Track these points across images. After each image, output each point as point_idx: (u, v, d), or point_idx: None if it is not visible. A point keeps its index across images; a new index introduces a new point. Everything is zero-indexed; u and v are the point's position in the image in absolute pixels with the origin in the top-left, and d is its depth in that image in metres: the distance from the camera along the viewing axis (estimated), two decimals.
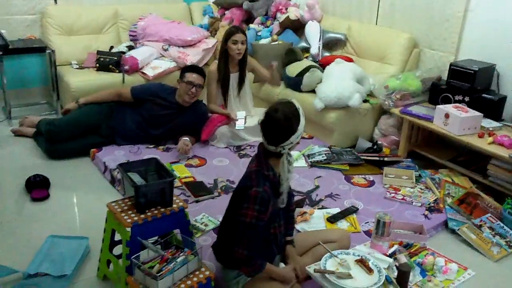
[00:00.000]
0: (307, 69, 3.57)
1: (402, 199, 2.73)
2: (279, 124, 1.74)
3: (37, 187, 2.68)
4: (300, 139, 1.83)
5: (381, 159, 3.14)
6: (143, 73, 3.93)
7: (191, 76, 3.18)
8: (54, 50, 3.83)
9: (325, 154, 3.19)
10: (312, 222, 2.44)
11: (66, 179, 2.90)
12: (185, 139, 3.14)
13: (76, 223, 2.50)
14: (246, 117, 3.35)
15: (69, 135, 3.12)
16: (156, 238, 1.99)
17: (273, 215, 1.81)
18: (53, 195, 2.70)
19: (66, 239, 2.24)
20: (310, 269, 1.83)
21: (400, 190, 2.82)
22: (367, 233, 2.35)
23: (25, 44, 3.82)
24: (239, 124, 3.34)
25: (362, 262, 1.84)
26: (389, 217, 1.99)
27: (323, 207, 2.60)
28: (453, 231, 2.50)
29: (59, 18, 4.13)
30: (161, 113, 3.18)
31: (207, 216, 2.47)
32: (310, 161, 3.13)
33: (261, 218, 1.74)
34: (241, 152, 3.28)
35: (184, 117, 3.20)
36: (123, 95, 3.26)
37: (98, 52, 3.97)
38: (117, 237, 1.97)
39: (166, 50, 4.15)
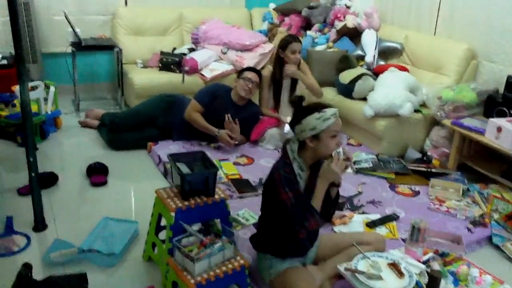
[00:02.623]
0: (359, 77, 3.60)
1: (446, 211, 2.70)
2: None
3: (97, 173, 2.91)
4: (313, 144, 1.82)
5: (429, 170, 3.11)
6: (201, 74, 4.12)
7: (249, 73, 3.34)
8: (121, 49, 4.11)
9: (371, 161, 3.20)
10: (351, 226, 2.47)
11: (124, 168, 3.12)
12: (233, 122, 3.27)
13: (128, 208, 2.69)
14: None
15: (130, 126, 3.36)
16: (199, 225, 2.12)
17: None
18: (110, 182, 2.92)
19: (118, 221, 2.43)
20: (341, 267, 1.88)
21: (445, 202, 2.79)
22: (405, 241, 2.35)
23: (96, 42, 4.13)
24: (289, 128, 3.42)
25: (394, 266, 1.86)
26: (424, 224, 2.00)
27: (363, 213, 2.63)
28: (497, 247, 2.44)
29: (128, 19, 4.43)
30: (217, 111, 3.32)
31: (249, 211, 2.57)
32: (356, 168, 3.16)
33: (296, 195, 1.79)
34: None
35: (237, 116, 3.33)
36: (197, 110, 3.31)
37: (162, 53, 4.21)
38: (163, 222, 2.12)
39: (224, 53, 4.32)
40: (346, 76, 3.72)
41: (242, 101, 3.38)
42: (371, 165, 3.16)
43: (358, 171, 3.14)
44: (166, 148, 3.25)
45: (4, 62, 3.84)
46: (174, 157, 2.15)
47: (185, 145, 3.33)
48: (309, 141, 1.82)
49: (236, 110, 3.37)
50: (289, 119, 3.34)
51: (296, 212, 1.79)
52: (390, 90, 3.33)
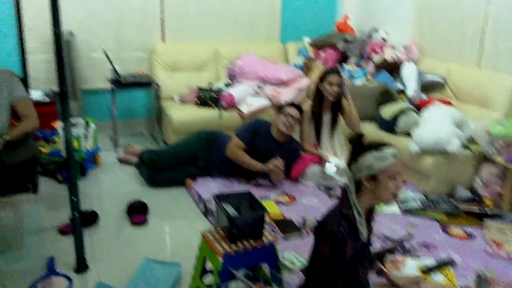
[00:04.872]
0: (402, 111, 3.50)
1: (508, 257, 2.51)
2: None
3: (137, 212, 2.86)
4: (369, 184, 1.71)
5: (483, 211, 2.95)
6: (238, 109, 4.10)
7: (289, 109, 3.28)
8: (159, 85, 4.14)
9: (420, 201, 3.06)
10: (404, 272, 2.32)
11: (163, 206, 3.07)
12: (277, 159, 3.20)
13: (169, 249, 2.62)
14: (339, 166, 3.33)
15: (169, 164, 3.32)
16: (245, 270, 2.02)
17: (356, 256, 1.74)
18: (150, 221, 2.87)
19: (161, 264, 2.35)
20: None
21: (503, 246, 2.61)
22: None
23: (134, 79, 4.16)
24: (330, 168, 3.33)
25: None
26: (492, 273, 1.85)
27: (416, 257, 2.48)
28: None
29: (165, 55, 4.48)
30: (259, 148, 3.26)
31: (294, 254, 2.45)
32: (404, 208, 3.02)
33: (336, 257, 1.65)
34: (331, 192, 3.25)
35: (278, 152, 3.26)
36: (239, 147, 3.25)
37: (199, 88, 4.21)
38: (208, 265, 2.03)
39: (261, 88, 4.30)
40: (388, 111, 3.63)
41: (282, 137, 3.32)
42: (419, 204, 3.02)
43: (406, 211, 3.00)
44: (205, 186, 3.19)
45: (46, 99, 3.91)
46: (220, 198, 2.09)
47: (224, 183, 3.26)
48: (366, 182, 1.70)
49: (276, 146, 3.30)
50: (333, 159, 3.32)
51: (321, 271, 1.68)
52: (436, 126, 3.21)
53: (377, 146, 1.71)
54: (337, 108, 3.51)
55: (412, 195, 3.14)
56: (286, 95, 4.19)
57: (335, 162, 3.35)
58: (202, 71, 4.61)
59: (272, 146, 3.30)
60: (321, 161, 3.37)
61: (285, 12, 5.07)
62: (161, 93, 4.17)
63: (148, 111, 4.67)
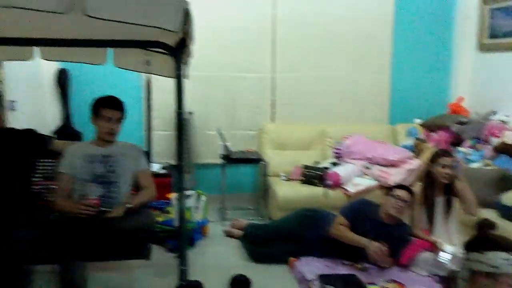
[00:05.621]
0: None
1: None
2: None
3: (240, 286, 2.86)
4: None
5: None
6: (344, 189, 4.04)
7: (400, 191, 3.16)
8: (267, 161, 4.27)
9: None
10: None
11: (265, 282, 3.02)
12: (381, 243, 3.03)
13: None
14: (454, 254, 3.08)
15: (271, 240, 3.33)
16: None
17: None
18: None
19: None
20: None
21: None
22: None
23: (244, 155, 4.36)
24: (445, 257, 3.08)
25: None
26: None
27: None
28: None
29: (274, 134, 4.67)
30: (364, 229, 3.15)
31: None
32: None
33: None
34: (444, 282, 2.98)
35: (386, 236, 3.11)
36: (344, 225, 3.18)
37: (305, 166, 4.26)
38: None
39: (368, 168, 4.23)
40: (510, 197, 3.32)
41: (391, 220, 3.17)
42: None
43: None
44: (309, 265, 3.10)
45: (163, 171, 4.22)
46: (325, 279, 2.02)
47: (328, 264, 3.15)
48: (482, 277, 1.56)
49: (384, 229, 3.15)
50: (448, 248, 3.08)
51: None
52: None
53: (510, 247, 1.58)
54: (450, 191, 3.31)
55: None
56: (395, 176, 4.05)
57: (450, 250, 3.10)
58: (308, 149, 4.68)
59: (378, 229, 3.16)
60: (434, 248, 3.13)
61: (394, 93, 5.06)
62: (268, 169, 4.29)
63: (255, 187, 4.80)
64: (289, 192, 4.00)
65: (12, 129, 2.74)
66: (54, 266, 2.21)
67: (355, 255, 3.15)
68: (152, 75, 3.21)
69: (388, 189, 3.33)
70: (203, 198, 3.75)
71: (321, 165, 4.35)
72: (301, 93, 4.85)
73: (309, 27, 4.77)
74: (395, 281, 2.98)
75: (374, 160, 4.26)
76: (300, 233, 3.33)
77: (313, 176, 4.14)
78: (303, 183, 4.17)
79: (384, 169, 4.17)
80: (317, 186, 4.08)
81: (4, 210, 2.49)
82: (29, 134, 2.79)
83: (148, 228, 2.61)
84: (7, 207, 2.51)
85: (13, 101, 3.58)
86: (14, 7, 1.70)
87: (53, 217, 2.64)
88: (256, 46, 4.71)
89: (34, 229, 2.39)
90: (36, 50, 3.00)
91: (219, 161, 4.27)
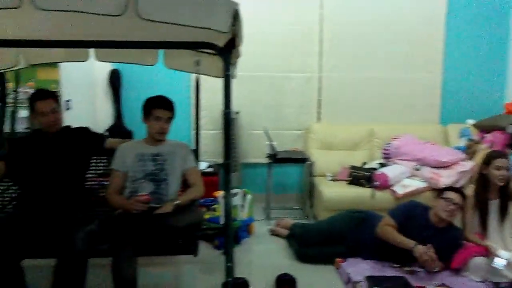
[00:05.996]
0: None
1: None
2: None
3: (285, 285, 2.87)
4: None
5: None
6: (392, 190, 3.96)
7: (451, 193, 3.07)
8: (313, 162, 4.24)
9: None
10: None
11: (311, 282, 3.02)
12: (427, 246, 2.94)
13: None
14: (510, 260, 2.95)
15: (318, 240, 3.31)
16: None
17: None
18: None
19: None
20: None
21: None
22: None
23: (290, 155, 4.36)
24: (499, 262, 2.96)
25: None
26: None
27: None
28: None
29: (320, 134, 4.64)
30: (413, 231, 3.07)
31: None
32: None
33: None
34: None
35: (436, 240, 3.02)
36: (391, 226, 3.13)
37: (352, 167, 4.21)
38: None
39: (418, 169, 4.12)
40: None
41: (441, 223, 3.08)
42: None
43: None
44: (355, 267, 3.06)
45: (210, 170, 4.30)
46: (373, 281, 1.99)
47: (375, 265, 3.10)
48: None
49: (434, 232, 3.07)
50: (503, 253, 2.95)
51: None
52: None
53: None
54: (505, 194, 3.17)
55: None
56: (446, 178, 3.93)
57: (505, 255, 2.97)
58: (355, 150, 4.62)
59: (428, 232, 3.07)
60: (488, 253, 3.01)
61: (446, 93, 4.91)
62: (314, 169, 4.27)
63: (301, 186, 4.79)
64: (336, 193, 3.96)
65: (68, 128, 2.86)
66: (107, 260, 2.29)
67: (403, 257, 3.08)
68: (201, 75, 3.27)
69: (439, 191, 3.24)
70: (249, 196, 3.78)
71: (368, 166, 4.29)
72: (348, 93, 4.80)
73: (356, 26, 4.72)
74: (445, 286, 2.89)
75: (424, 161, 4.15)
76: (347, 234, 3.29)
77: (360, 176, 4.08)
78: (350, 183, 4.12)
79: (435, 170, 4.05)
80: (364, 187, 4.02)
81: (61, 205, 2.60)
82: (85, 132, 2.90)
83: (196, 225, 2.66)
84: (64, 203, 2.62)
85: (69, 101, 3.76)
86: (71, 11, 1.78)
87: (107, 213, 2.75)
88: (303, 46, 4.70)
89: (90, 224, 2.49)
90: (91, 51, 3.12)
91: (265, 160, 4.30)
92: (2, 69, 3.45)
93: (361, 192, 3.96)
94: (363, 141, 4.64)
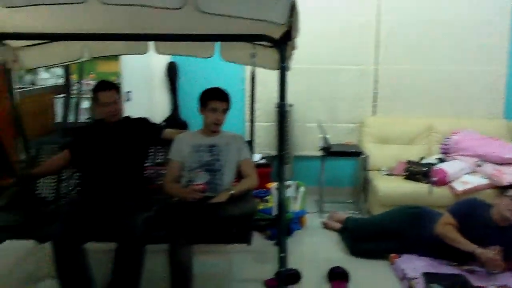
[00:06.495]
0: None
1: None
2: None
3: (338, 279, 2.85)
4: None
5: None
6: (451, 187, 3.82)
7: None
8: (367, 156, 4.17)
9: None
10: None
11: (364, 277, 2.99)
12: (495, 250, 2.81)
13: None
14: None
15: (372, 235, 3.27)
16: None
17: None
18: None
19: None
20: None
21: None
22: None
23: (344, 148, 4.31)
24: None
25: None
26: None
27: None
28: None
29: (375, 128, 4.54)
30: (472, 230, 2.96)
31: None
32: None
33: None
34: None
35: (498, 239, 2.89)
36: (450, 223, 3.02)
37: (408, 162, 4.10)
38: None
39: (479, 166, 3.95)
40: None
41: (504, 222, 2.94)
42: None
43: None
44: (411, 263, 2.99)
45: (263, 162, 4.32)
46: (430, 278, 1.94)
47: (432, 263, 3.00)
48: None
49: (495, 231, 2.93)
50: None
51: None
52: None
53: None
54: None
55: None
56: (510, 175, 3.74)
57: None
58: (412, 144, 4.49)
59: (489, 231, 2.94)
60: None
61: (511, 86, 4.66)
62: (368, 163, 4.19)
63: (354, 181, 4.73)
64: (391, 188, 3.88)
65: (128, 118, 2.97)
66: (164, 246, 2.37)
67: (462, 256, 2.98)
68: (255, 67, 3.29)
69: (502, 189, 3.09)
70: (302, 189, 3.78)
71: (426, 161, 4.16)
72: (406, 85, 4.66)
73: (416, 17, 4.56)
74: (507, 287, 2.76)
75: (485, 158, 3.97)
76: (403, 230, 3.21)
77: (418, 172, 3.97)
78: (406, 179, 4.01)
79: (498, 167, 3.86)
80: (422, 182, 3.91)
81: (120, 192, 2.72)
82: (144, 122, 3.00)
83: (250, 215, 2.69)
84: (123, 190, 2.74)
85: (129, 92, 3.90)
86: (133, 5, 1.84)
87: (164, 201, 2.84)
88: (359, 38, 4.60)
89: (147, 211, 2.59)
90: (151, 44, 3.22)
91: (318, 153, 4.27)
92: (68, 62, 3.64)
93: (418, 188, 3.85)
94: (420, 135, 4.50)
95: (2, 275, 2.98)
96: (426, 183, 3.87)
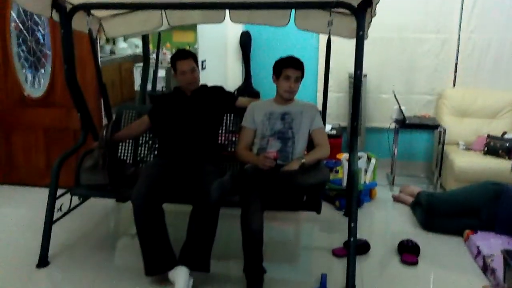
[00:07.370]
0: None
1: None
2: None
3: (408, 252, 2.82)
4: None
5: None
6: None
7: None
8: (445, 129, 4.00)
9: None
10: None
11: (436, 252, 2.93)
12: None
13: None
14: None
15: (448, 211, 3.17)
16: None
17: None
18: (421, 264, 2.77)
19: None
20: None
21: None
22: None
23: (419, 121, 4.16)
24: None
25: None
26: None
27: None
28: None
29: (454, 100, 4.32)
30: None
31: None
32: None
33: None
34: None
35: None
36: None
37: (489, 136, 3.90)
38: None
39: None
40: None
41: None
42: None
43: None
44: (486, 240, 2.88)
45: (333, 132, 4.30)
46: (511, 255, 1.87)
47: (510, 241, 2.89)
48: None
49: None
50: None
51: None
52: None
53: None
54: None
55: None
56: None
57: None
58: (494, 118, 4.23)
59: None
60: None
61: None
62: (446, 137, 4.03)
63: (428, 155, 4.57)
64: (469, 163, 3.71)
65: (205, 86, 3.05)
66: (237, 210, 2.45)
67: None
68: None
69: None
70: (373, 161, 3.72)
71: (509, 136, 3.92)
72: (491, 56, 4.35)
73: None
74: None
75: None
76: (482, 207, 3.08)
77: (499, 147, 3.77)
78: (486, 154, 3.83)
79: None
80: (503, 158, 3.71)
81: (196, 157, 2.83)
82: (219, 91, 3.08)
83: (321, 184, 2.71)
84: (198, 155, 2.85)
85: (204, 61, 4.00)
86: None
87: (238, 167, 2.93)
88: (441, 5, 4.34)
89: (222, 176, 2.68)
90: (227, 13, 3.26)
91: (392, 125, 4.16)
92: (147, 31, 3.79)
93: (499, 164, 3.66)
94: (504, 109, 4.22)
95: (86, 231, 3.25)
96: (508, 159, 3.67)
